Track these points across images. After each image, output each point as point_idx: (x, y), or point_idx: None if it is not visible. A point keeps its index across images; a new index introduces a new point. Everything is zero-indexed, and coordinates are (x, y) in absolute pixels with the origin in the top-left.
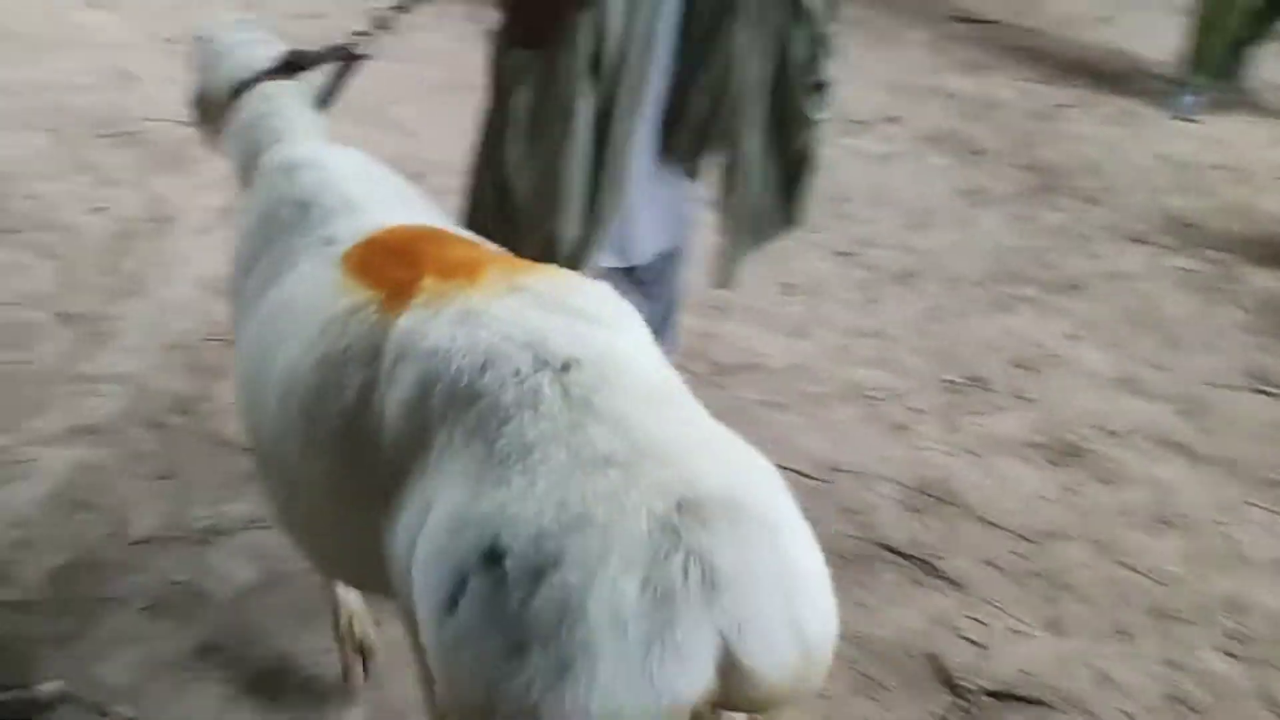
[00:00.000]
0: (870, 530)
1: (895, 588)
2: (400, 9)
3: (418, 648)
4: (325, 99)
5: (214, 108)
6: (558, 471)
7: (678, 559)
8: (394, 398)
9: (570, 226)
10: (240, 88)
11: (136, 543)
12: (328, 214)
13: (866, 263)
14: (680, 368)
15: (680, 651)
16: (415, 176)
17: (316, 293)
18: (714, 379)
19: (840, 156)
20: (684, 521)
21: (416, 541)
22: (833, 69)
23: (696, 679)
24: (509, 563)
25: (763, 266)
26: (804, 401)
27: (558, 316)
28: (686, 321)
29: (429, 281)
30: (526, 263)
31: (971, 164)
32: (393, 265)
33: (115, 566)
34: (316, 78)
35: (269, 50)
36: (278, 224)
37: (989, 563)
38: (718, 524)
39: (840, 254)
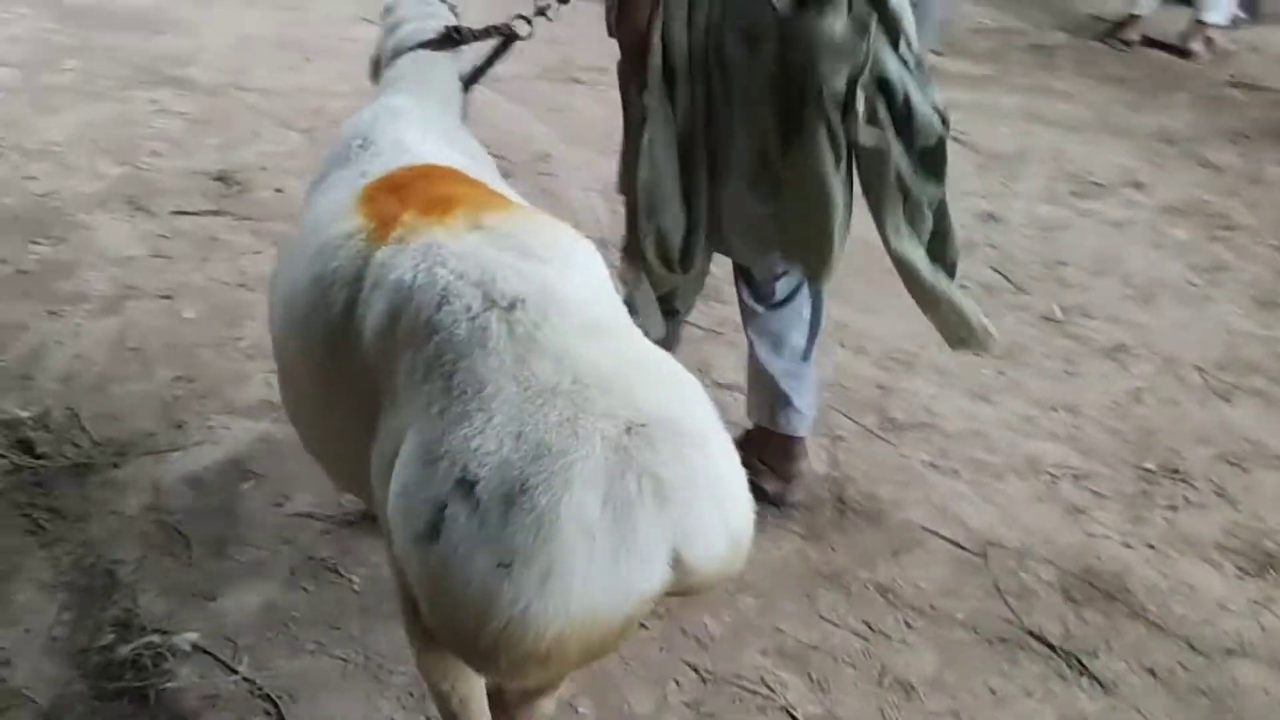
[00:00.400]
0: (1020, 614)
1: (1037, 680)
2: (543, 12)
3: (401, 578)
4: (476, 73)
5: (383, 66)
6: (510, 404)
7: (631, 476)
8: (369, 323)
9: (671, 230)
10: (401, 51)
11: (291, 515)
12: (378, 153)
13: (1074, 332)
14: (850, 419)
15: (642, 555)
16: None
17: (330, 217)
18: (883, 433)
19: (1069, 218)
20: (633, 443)
21: (392, 473)
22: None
23: (656, 576)
24: (480, 490)
25: None
26: (974, 469)
27: (510, 255)
28: (866, 372)
29: (408, 216)
30: (499, 201)
31: (1217, 240)
32: (388, 199)
33: (267, 534)
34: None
35: (438, 24)
36: (344, 154)
37: (1149, 670)
38: (662, 444)
39: (1046, 319)
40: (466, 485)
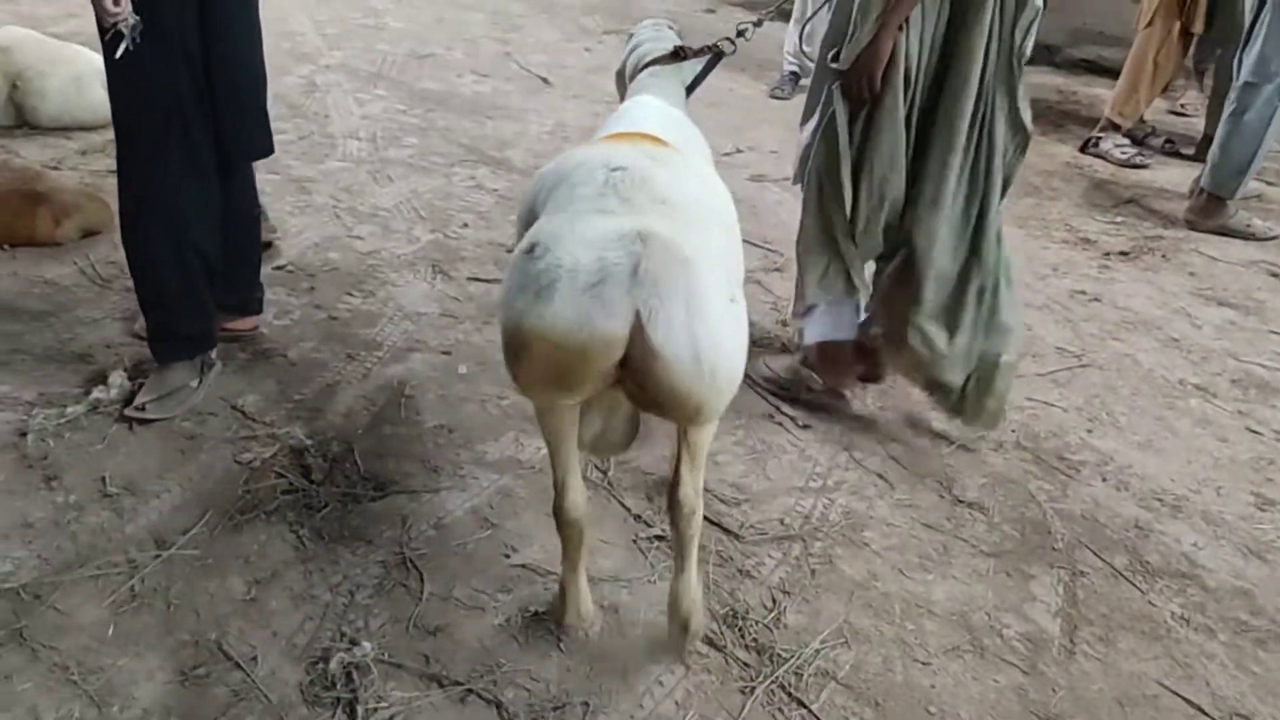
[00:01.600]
0: None
1: None
2: (758, 24)
3: None
4: (696, 82)
5: (625, 77)
6: (578, 213)
7: (619, 254)
8: (546, 185)
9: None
10: (641, 65)
11: (516, 566)
12: (620, 124)
13: None
14: (1097, 556)
15: (605, 300)
16: None
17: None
18: (1132, 576)
19: None
20: (635, 245)
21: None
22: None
23: (610, 322)
24: (537, 248)
25: (1239, 472)
26: (1232, 630)
27: (636, 153)
28: (1125, 509)
29: (600, 141)
30: (661, 142)
31: None
32: (615, 136)
33: (491, 581)
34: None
35: (668, 45)
36: (604, 126)
37: None
38: (653, 247)
39: None
40: (532, 246)
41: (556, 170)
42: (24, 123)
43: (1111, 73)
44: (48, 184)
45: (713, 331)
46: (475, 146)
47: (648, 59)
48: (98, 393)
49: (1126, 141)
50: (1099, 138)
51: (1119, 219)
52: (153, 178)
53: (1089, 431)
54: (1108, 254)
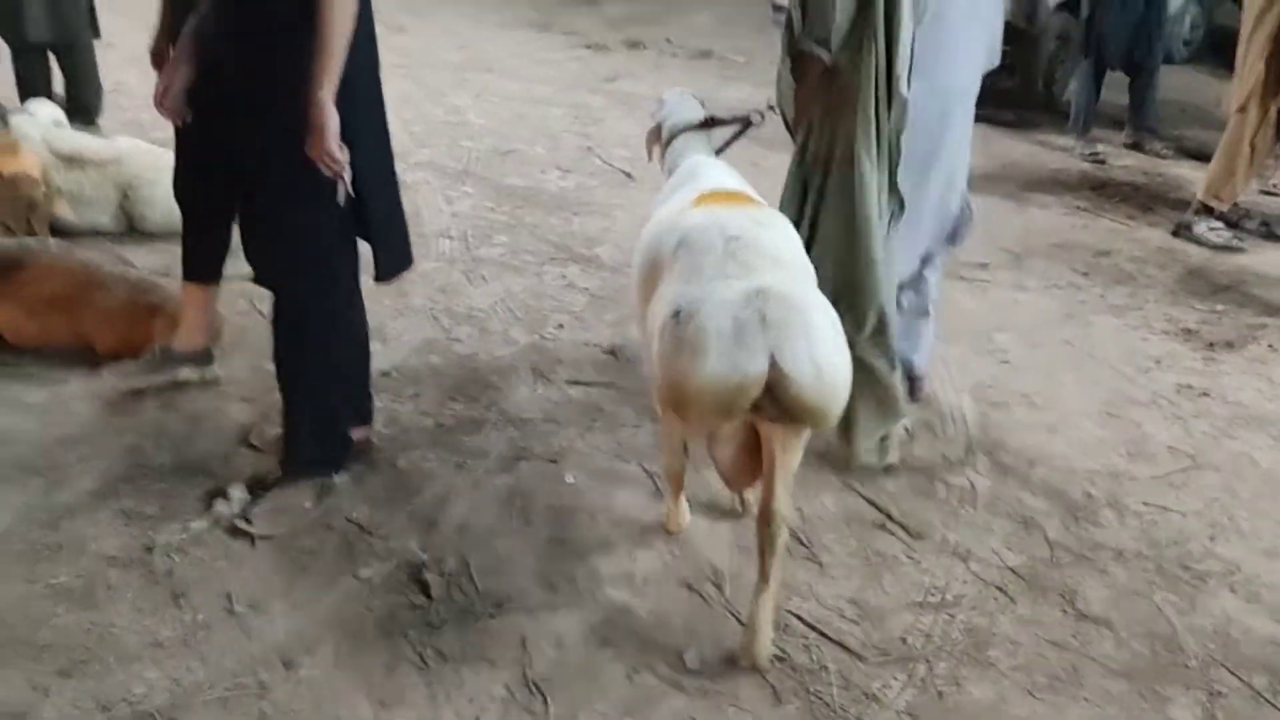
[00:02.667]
0: None
1: None
2: (771, 108)
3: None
4: (724, 146)
5: (657, 140)
6: (707, 279)
7: (751, 312)
8: (668, 246)
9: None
10: (676, 131)
11: (643, 688)
12: (698, 178)
13: None
14: (1235, 676)
15: (747, 348)
16: None
17: (678, 202)
18: (1274, 699)
19: None
20: (757, 298)
21: (654, 311)
22: None
23: (755, 365)
24: (680, 314)
25: None
26: None
27: (743, 219)
28: (1260, 625)
29: (709, 204)
30: (751, 200)
31: None
32: (706, 197)
33: (617, 705)
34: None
35: (695, 112)
36: (679, 184)
37: None
38: (771, 299)
39: None
40: (676, 312)
41: (674, 231)
42: (133, 229)
43: (1195, 153)
44: (163, 295)
45: (828, 354)
46: (564, 244)
47: (681, 126)
48: (219, 507)
49: (1221, 225)
50: (1191, 221)
51: (1219, 307)
52: (340, 295)
53: (1211, 539)
54: (1211, 345)
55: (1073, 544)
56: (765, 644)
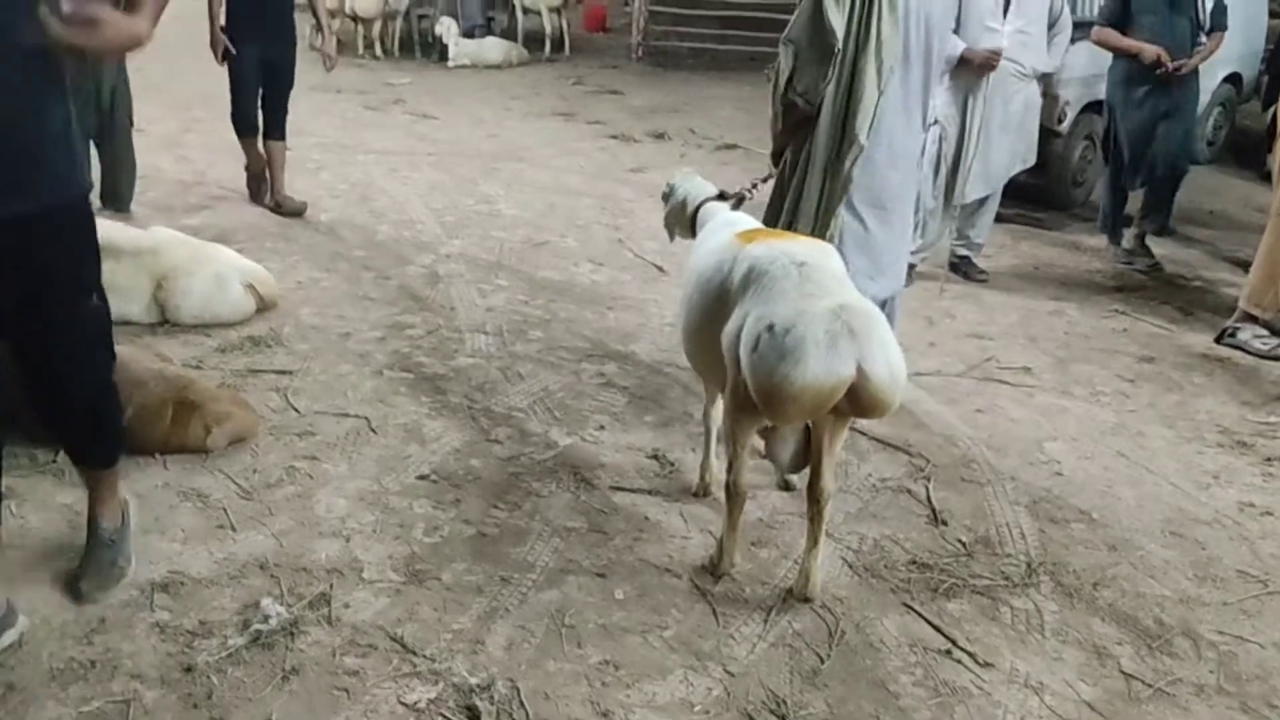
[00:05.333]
0: None
1: None
2: (765, 180)
3: (734, 379)
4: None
5: (677, 214)
6: (793, 298)
7: (840, 324)
8: (735, 276)
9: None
10: (699, 202)
11: None
12: (733, 224)
13: None
14: None
15: (841, 356)
16: None
17: (719, 242)
18: None
19: None
20: (843, 312)
21: (740, 329)
22: None
23: (848, 369)
24: (776, 328)
25: None
26: None
27: (801, 248)
28: None
29: (758, 239)
30: (783, 234)
31: None
32: (749, 235)
33: None
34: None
35: (707, 186)
36: (717, 229)
37: None
38: (856, 314)
39: None
40: (771, 326)
41: (738, 261)
42: (165, 320)
43: (1233, 259)
44: (200, 392)
45: (898, 359)
46: (600, 340)
47: (703, 197)
48: (257, 624)
49: (1266, 332)
50: (1236, 328)
51: (1273, 418)
52: None
53: None
54: (1269, 459)
55: (1149, 676)
56: (816, 584)
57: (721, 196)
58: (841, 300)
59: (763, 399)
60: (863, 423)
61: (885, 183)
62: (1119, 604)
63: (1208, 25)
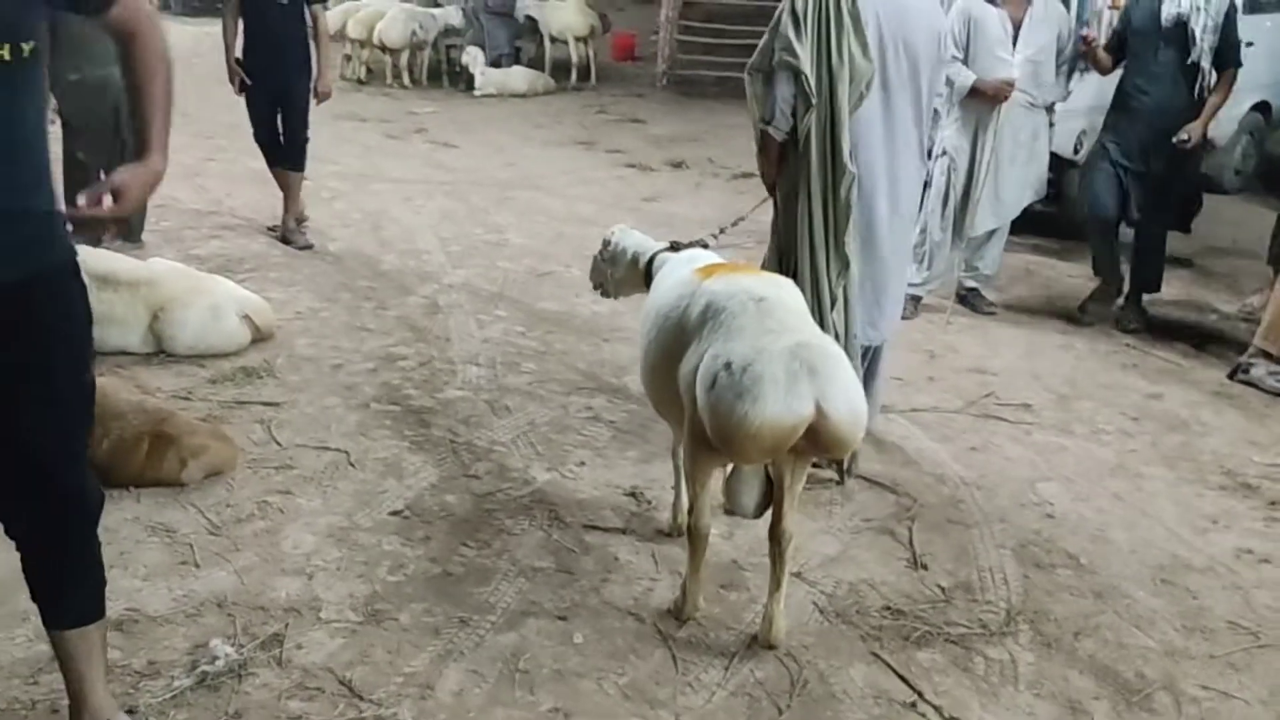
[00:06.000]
0: None
1: None
2: (735, 224)
3: (692, 417)
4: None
5: (627, 270)
6: (752, 335)
7: (799, 363)
8: (695, 309)
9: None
10: (652, 255)
11: None
12: (695, 260)
13: None
14: None
15: (798, 394)
16: None
17: (680, 278)
18: None
19: None
20: (801, 350)
21: (698, 366)
22: None
23: (806, 408)
24: (734, 366)
25: None
26: None
27: (761, 283)
28: None
29: (718, 273)
30: (754, 268)
31: None
32: (706, 269)
33: None
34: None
35: (649, 241)
36: (679, 266)
37: None
38: (815, 352)
39: None
40: (728, 364)
41: (695, 297)
42: (160, 350)
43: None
44: (178, 425)
45: (858, 398)
46: (593, 372)
47: (654, 250)
48: (204, 665)
49: None
50: (1249, 364)
51: None
52: None
53: None
54: (1273, 503)
55: None
56: (780, 629)
57: (673, 248)
58: (801, 338)
59: (720, 438)
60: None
61: (870, 216)
62: (1100, 655)
63: (1207, 61)
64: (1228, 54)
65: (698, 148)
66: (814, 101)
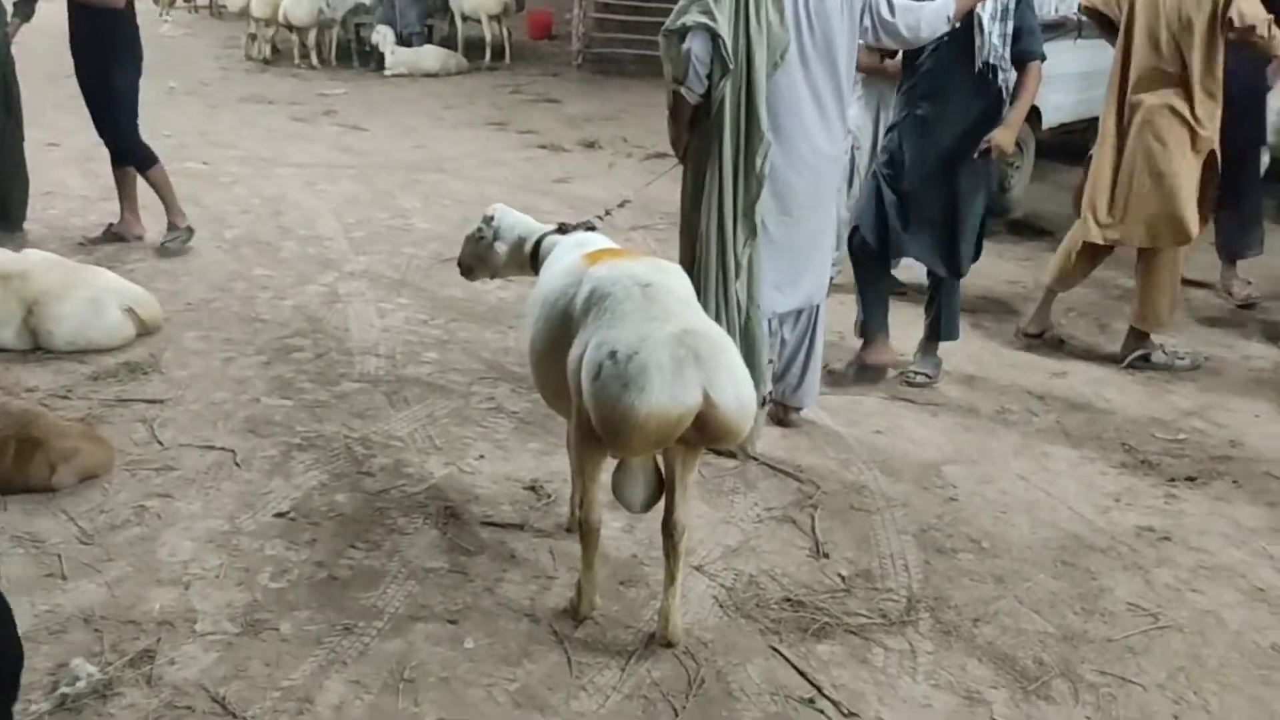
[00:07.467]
0: None
1: None
2: (621, 205)
3: (578, 409)
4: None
5: (497, 248)
6: (636, 322)
7: (685, 350)
8: (580, 296)
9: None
10: (539, 238)
11: None
12: (584, 244)
13: None
14: None
15: (685, 382)
16: None
17: (567, 264)
18: None
19: None
20: (687, 337)
21: (583, 355)
22: None
23: (693, 396)
24: (619, 355)
25: None
26: None
27: (646, 268)
28: None
29: (604, 259)
30: (642, 253)
31: None
32: (594, 254)
33: None
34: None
35: (533, 223)
36: (568, 250)
37: None
38: (701, 340)
39: None
40: (613, 353)
41: (580, 284)
42: (38, 347)
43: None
44: (45, 428)
45: (746, 386)
46: (496, 361)
47: (541, 232)
48: (65, 686)
49: (1177, 346)
50: (1147, 353)
51: (1181, 435)
52: None
53: (1175, 718)
54: (1173, 480)
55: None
56: (677, 627)
57: (561, 229)
58: (686, 324)
59: (606, 429)
60: (758, 448)
61: (789, 188)
62: (998, 642)
63: (993, 56)
64: (1027, 43)
65: (612, 127)
66: (731, 66)
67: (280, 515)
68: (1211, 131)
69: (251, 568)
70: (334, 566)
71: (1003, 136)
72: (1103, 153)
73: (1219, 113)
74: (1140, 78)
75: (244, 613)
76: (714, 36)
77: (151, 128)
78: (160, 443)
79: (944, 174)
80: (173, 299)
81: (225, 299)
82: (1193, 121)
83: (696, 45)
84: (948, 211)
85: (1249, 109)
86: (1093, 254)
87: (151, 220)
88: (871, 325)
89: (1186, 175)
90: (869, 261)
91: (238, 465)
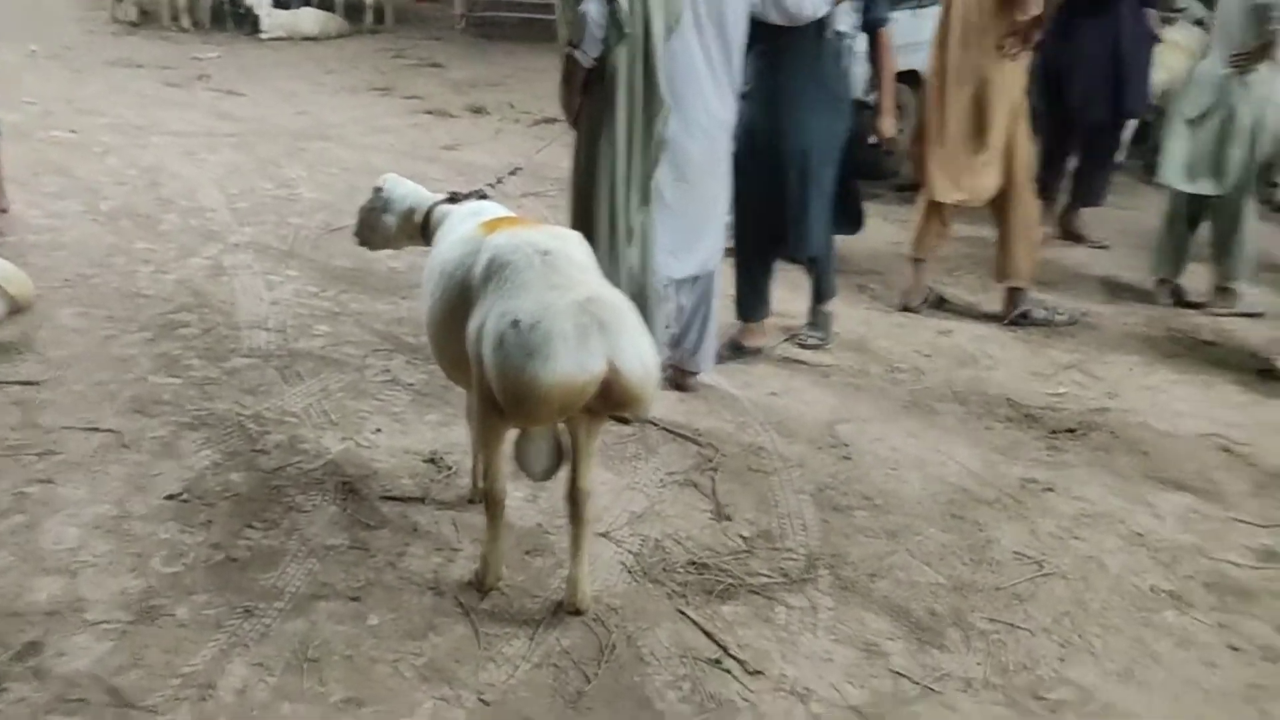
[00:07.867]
0: None
1: None
2: (513, 173)
3: (480, 380)
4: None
5: (402, 221)
6: (538, 291)
7: (589, 318)
8: (478, 269)
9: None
10: (430, 207)
11: None
12: (479, 213)
13: None
14: None
15: (589, 350)
16: None
17: (464, 233)
18: None
19: None
20: (590, 305)
21: (483, 325)
22: None
23: (598, 365)
24: (521, 324)
25: (1232, 707)
26: None
27: (545, 236)
28: None
29: (502, 227)
30: (540, 222)
31: None
32: (491, 223)
33: None
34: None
35: (424, 192)
36: (463, 219)
37: None
38: (605, 307)
39: None
40: (515, 322)
41: (479, 253)
42: None
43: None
44: None
45: (650, 353)
46: (390, 333)
47: (432, 201)
48: None
49: (1049, 304)
50: (1025, 311)
51: (1062, 389)
52: None
53: (1062, 660)
54: (1055, 432)
55: (917, 673)
56: (586, 594)
57: (452, 199)
58: (589, 292)
59: (509, 400)
60: (656, 413)
61: (684, 153)
62: (893, 595)
63: (846, 24)
64: (873, 9)
65: (499, 93)
66: (628, 31)
67: (172, 497)
68: (1018, 88)
69: (144, 553)
70: (231, 548)
71: (884, 125)
72: (930, 114)
73: (1022, 71)
74: (959, 36)
75: (138, 600)
76: (610, 0)
77: (12, 94)
78: (39, 426)
79: (788, 149)
80: (46, 275)
81: (104, 274)
82: (1003, 79)
83: (593, 9)
84: (796, 191)
85: (1133, 74)
86: (942, 214)
87: (18, 192)
88: (745, 307)
89: (1004, 129)
90: (753, 263)
91: (125, 447)
